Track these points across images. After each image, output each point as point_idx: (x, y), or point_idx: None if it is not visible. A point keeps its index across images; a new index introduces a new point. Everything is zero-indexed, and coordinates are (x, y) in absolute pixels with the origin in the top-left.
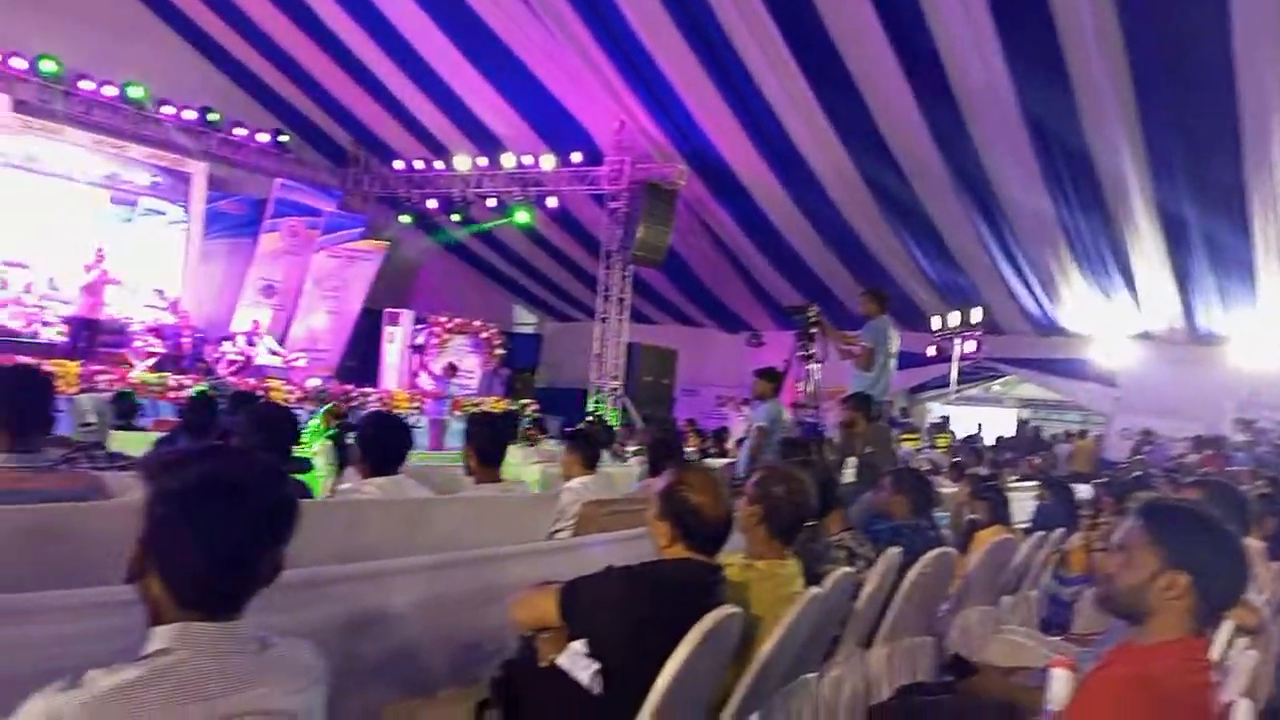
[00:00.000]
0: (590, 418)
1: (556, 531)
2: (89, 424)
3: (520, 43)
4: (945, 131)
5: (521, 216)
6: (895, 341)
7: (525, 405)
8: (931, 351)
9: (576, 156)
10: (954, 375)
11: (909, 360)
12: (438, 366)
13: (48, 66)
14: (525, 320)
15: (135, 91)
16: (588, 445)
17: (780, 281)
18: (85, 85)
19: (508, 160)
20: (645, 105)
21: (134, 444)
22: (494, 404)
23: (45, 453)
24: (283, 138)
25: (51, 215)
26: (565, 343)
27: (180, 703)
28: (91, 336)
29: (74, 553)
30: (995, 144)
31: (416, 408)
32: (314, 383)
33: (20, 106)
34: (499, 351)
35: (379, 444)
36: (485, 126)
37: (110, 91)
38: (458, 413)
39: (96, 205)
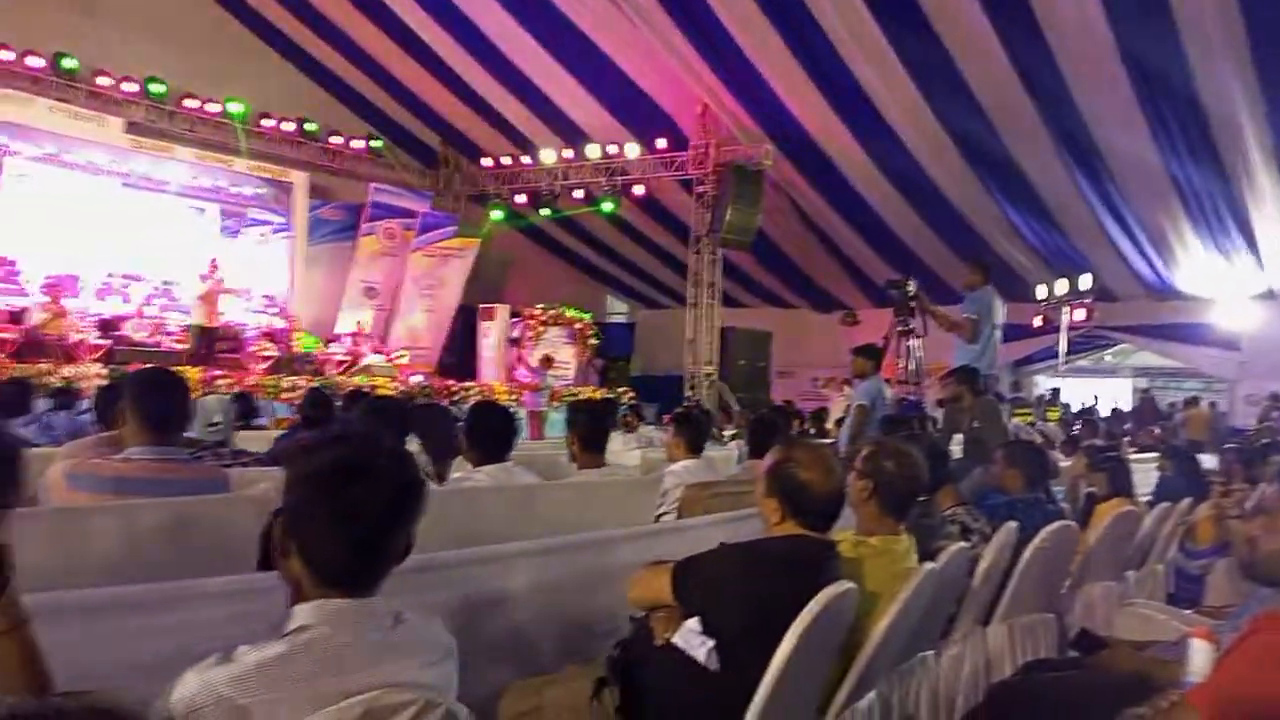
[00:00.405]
0: (687, 403)
1: (661, 514)
2: (215, 424)
3: (600, 32)
4: (1039, 83)
5: (608, 206)
6: (1000, 312)
7: (621, 394)
8: (1038, 322)
9: (661, 143)
10: (1063, 346)
11: (1014, 332)
12: (534, 359)
13: (156, 88)
14: (617, 309)
15: (236, 108)
16: (692, 429)
17: (873, 257)
18: (190, 104)
19: (593, 151)
20: (728, 86)
21: (255, 442)
22: (591, 393)
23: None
24: (375, 143)
25: (166, 230)
26: (657, 330)
27: (321, 676)
28: (209, 343)
29: (205, 541)
30: (1094, 94)
31: (515, 400)
32: (416, 379)
33: (132, 128)
34: (592, 342)
35: (489, 433)
36: (569, 119)
37: (214, 109)
38: (555, 403)
39: (207, 218)
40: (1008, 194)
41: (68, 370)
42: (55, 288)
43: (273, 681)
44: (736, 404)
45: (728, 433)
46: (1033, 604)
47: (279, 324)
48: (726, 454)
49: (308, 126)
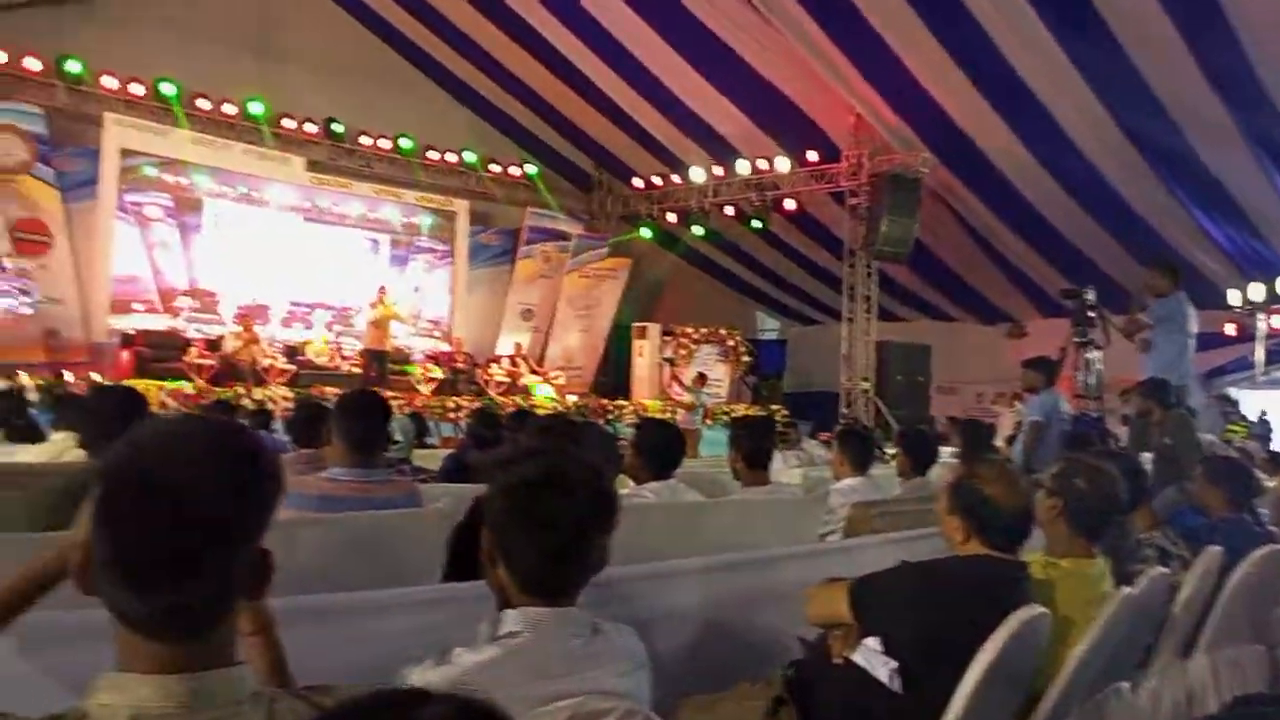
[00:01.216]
0: (845, 420)
1: (826, 533)
2: (396, 442)
3: (748, 46)
4: (1227, 77)
5: (758, 223)
6: (1193, 320)
7: (774, 411)
8: (1230, 330)
9: (812, 155)
10: (1259, 356)
11: (1204, 341)
12: (688, 377)
13: (335, 128)
14: (769, 326)
15: (405, 143)
16: (858, 446)
17: (1042, 265)
18: (365, 141)
19: (742, 167)
20: (881, 93)
21: (427, 460)
22: (744, 410)
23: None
24: (531, 169)
25: (343, 260)
26: (811, 346)
27: (530, 679)
28: (381, 366)
29: (400, 553)
30: None
31: (670, 418)
32: (572, 398)
33: (313, 166)
34: (745, 359)
35: (657, 449)
36: (718, 135)
37: (385, 145)
38: (709, 421)
39: (379, 247)
40: (1194, 195)
41: (258, 393)
42: (247, 317)
43: (488, 683)
44: (895, 420)
45: (889, 450)
46: (1239, 634)
47: (443, 347)
48: (889, 471)
49: (468, 157)
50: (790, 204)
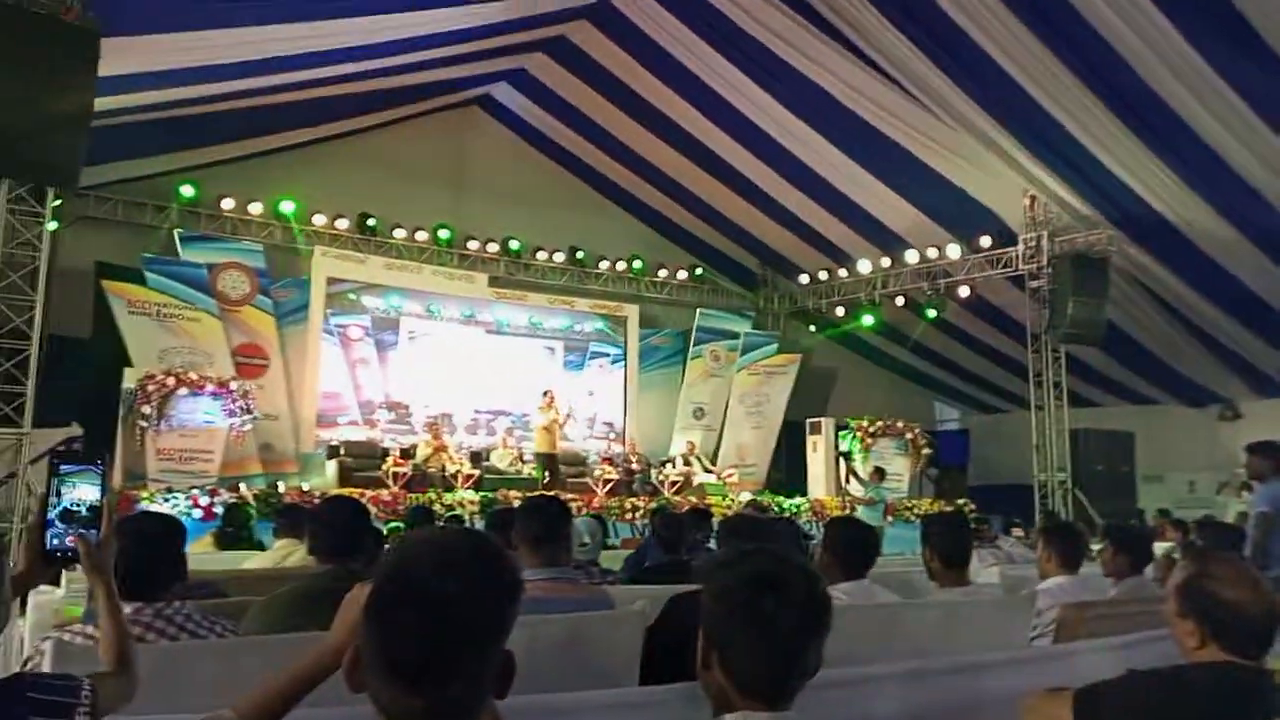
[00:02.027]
0: (1045, 513)
1: (1034, 637)
2: (584, 544)
3: (911, 137)
4: None
5: (932, 312)
6: None
7: (960, 505)
8: None
9: (985, 240)
10: None
11: None
12: (865, 471)
13: (513, 245)
14: (948, 416)
15: (578, 254)
16: (1066, 542)
17: (1254, 342)
18: (540, 255)
19: (911, 256)
20: (1058, 173)
21: (611, 560)
22: (927, 505)
23: (569, 569)
24: (698, 270)
25: (520, 367)
26: (995, 436)
27: None
28: (554, 469)
29: (594, 655)
30: None
31: (849, 515)
32: (745, 496)
33: (494, 282)
34: (925, 451)
35: (850, 548)
36: (885, 227)
37: (559, 258)
38: (890, 518)
39: (553, 355)
40: None
41: (448, 498)
42: (435, 425)
43: None
44: (1097, 514)
45: (1095, 546)
46: None
47: (617, 448)
48: (1097, 569)
49: (636, 264)
50: (965, 291)
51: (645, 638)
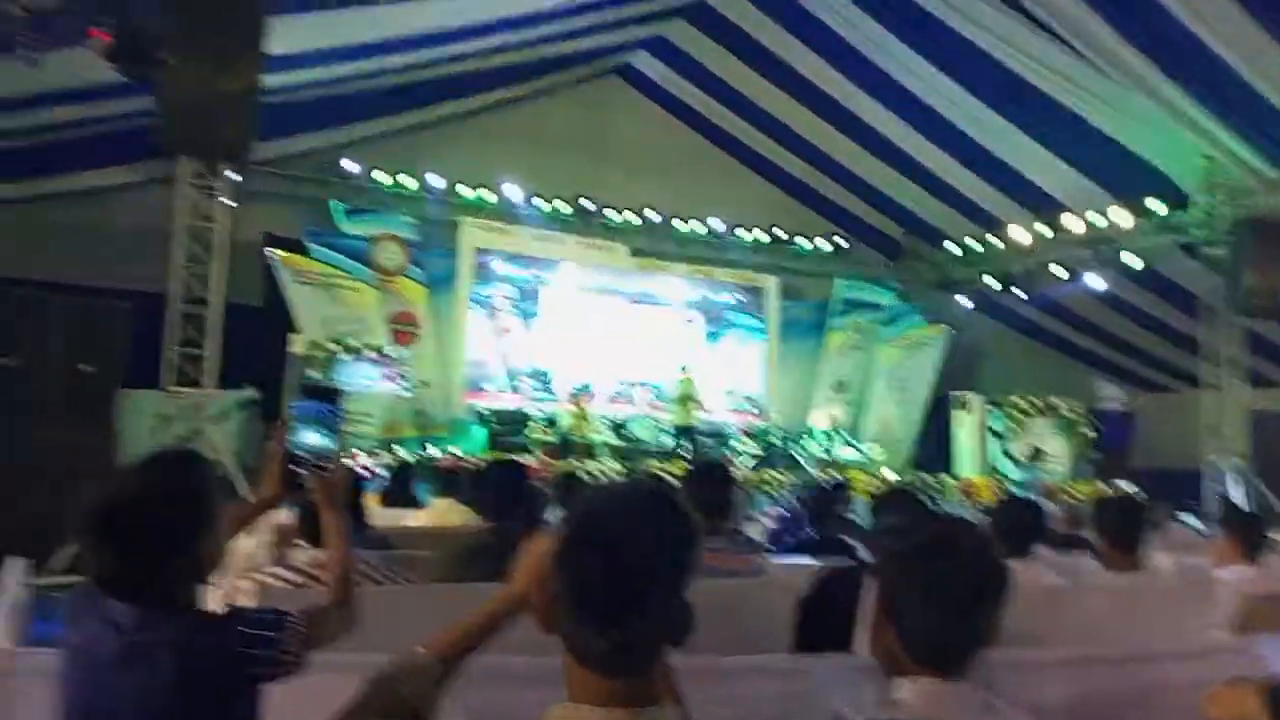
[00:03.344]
0: (1223, 500)
1: (1209, 627)
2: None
3: (1070, 93)
4: None
5: (1093, 281)
6: None
7: (1125, 489)
8: None
9: (1154, 204)
10: None
11: None
12: (1019, 450)
13: (652, 216)
14: (1110, 395)
15: (716, 224)
16: (1248, 530)
17: None
18: (680, 225)
19: (1071, 222)
20: (1237, 131)
21: (755, 531)
22: (1087, 488)
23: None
24: (838, 240)
25: (660, 338)
26: (1163, 417)
27: None
28: (695, 441)
29: (745, 622)
30: None
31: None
32: (889, 473)
33: (635, 252)
34: (1086, 431)
35: (1014, 527)
36: (1041, 190)
37: (699, 227)
38: (1049, 500)
39: (692, 325)
40: None
41: (591, 466)
42: (578, 396)
43: None
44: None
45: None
46: None
47: (757, 423)
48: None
49: (776, 233)
50: (1130, 260)
51: (798, 609)
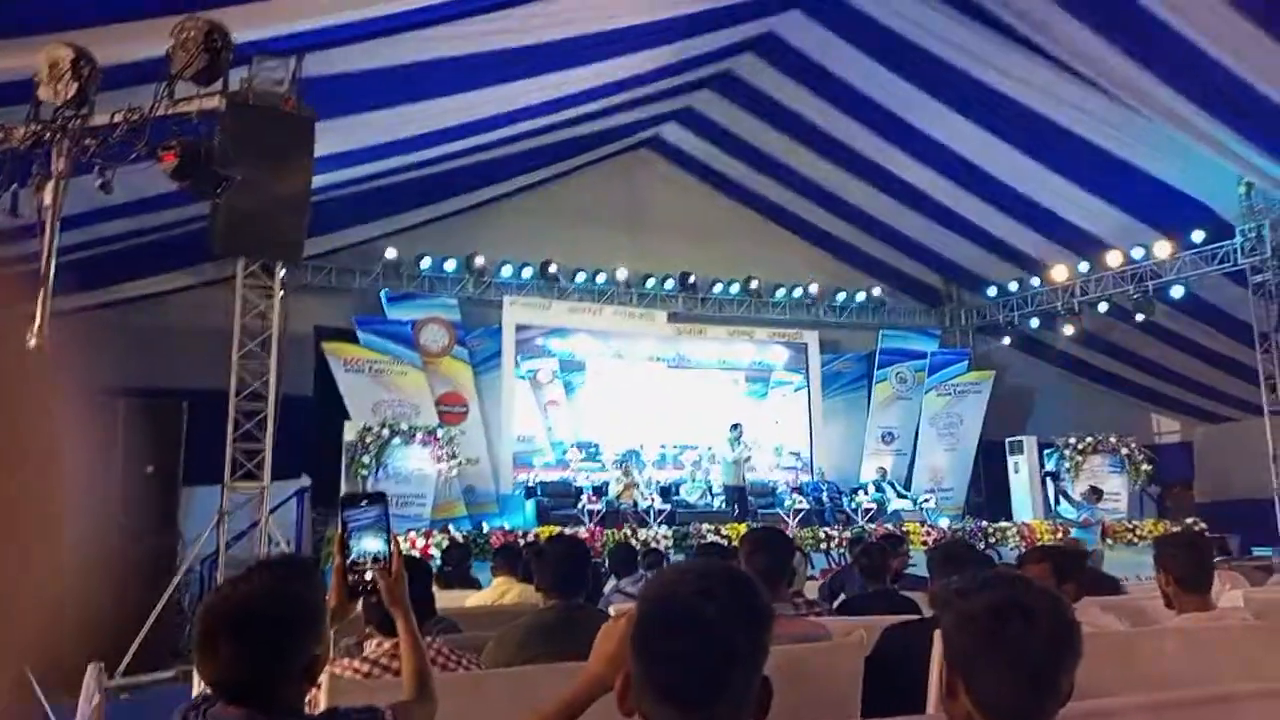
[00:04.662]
0: None
1: None
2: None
3: (1100, 131)
4: None
5: (1140, 316)
6: None
7: (1190, 524)
8: None
9: (1198, 235)
10: None
11: None
12: (1077, 491)
13: (690, 280)
14: (1168, 429)
15: (754, 284)
16: None
17: None
18: (718, 289)
19: (1113, 259)
20: (1273, 156)
21: (810, 588)
22: (1151, 526)
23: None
24: (877, 292)
25: (703, 400)
26: (1224, 448)
27: None
28: (744, 501)
29: (814, 685)
30: None
31: (1058, 539)
32: (943, 521)
33: (673, 317)
34: (1144, 467)
35: (1073, 573)
36: (1079, 229)
37: (735, 289)
38: (1109, 541)
39: (735, 386)
40: None
41: (642, 533)
42: (625, 463)
43: None
44: None
45: None
46: None
47: (806, 478)
48: None
49: (814, 289)
50: (1177, 292)
51: (865, 668)
